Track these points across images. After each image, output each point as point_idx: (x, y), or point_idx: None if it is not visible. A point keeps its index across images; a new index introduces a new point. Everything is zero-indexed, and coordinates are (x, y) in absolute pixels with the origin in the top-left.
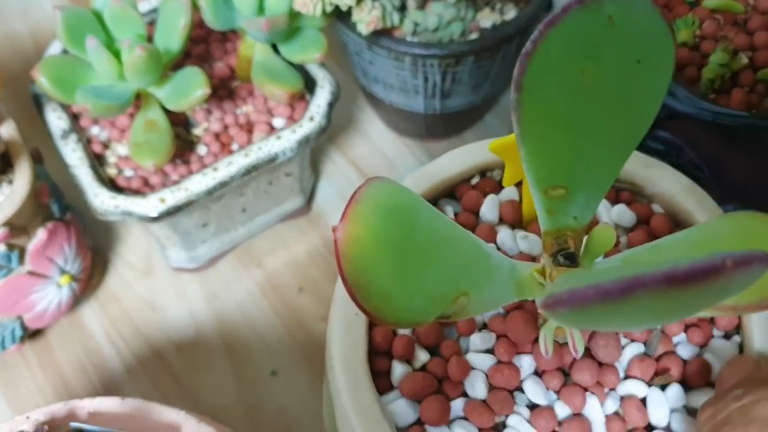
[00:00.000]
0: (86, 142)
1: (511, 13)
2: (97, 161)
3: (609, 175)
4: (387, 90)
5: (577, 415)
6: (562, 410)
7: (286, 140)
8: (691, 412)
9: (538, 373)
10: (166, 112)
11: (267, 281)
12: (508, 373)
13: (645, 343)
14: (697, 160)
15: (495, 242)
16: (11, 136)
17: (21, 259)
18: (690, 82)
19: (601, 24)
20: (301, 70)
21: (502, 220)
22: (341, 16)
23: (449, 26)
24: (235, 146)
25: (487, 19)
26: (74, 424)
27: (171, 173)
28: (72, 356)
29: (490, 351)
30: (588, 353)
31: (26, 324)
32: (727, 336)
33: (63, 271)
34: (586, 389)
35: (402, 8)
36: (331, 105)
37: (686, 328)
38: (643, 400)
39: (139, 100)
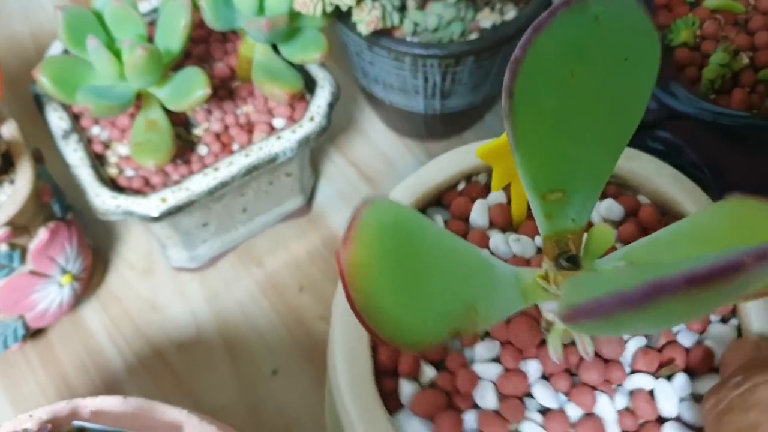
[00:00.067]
0: (87, 142)
1: (510, 14)
2: (98, 161)
3: (603, 174)
4: (387, 90)
5: (589, 415)
6: (573, 411)
7: (286, 140)
8: (698, 399)
9: (545, 377)
10: (167, 112)
11: (267, 281)
12: (516, 380)
13: (646, 336)
14: (698, 160)
15: (488, 247)
16: (13, 136)
17: (23, 258)
18: (690, 82)
19: (587, 25)
20: (301, 70)
21: (492, 224)
22: (341, 16)
23: (449, 26)
24: (235, 146)
25: (486, 19)
26: (77, 423)
27: (172, 173)
28: (73, 355)
29: (495, 360)
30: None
31: (28, 323)
32: (724, 320)
33: (64, 271)
34: (594, 388)
35: (402, 8)
36: (331, 105)
37: None
38: (651, 393)
39: (140, 100)
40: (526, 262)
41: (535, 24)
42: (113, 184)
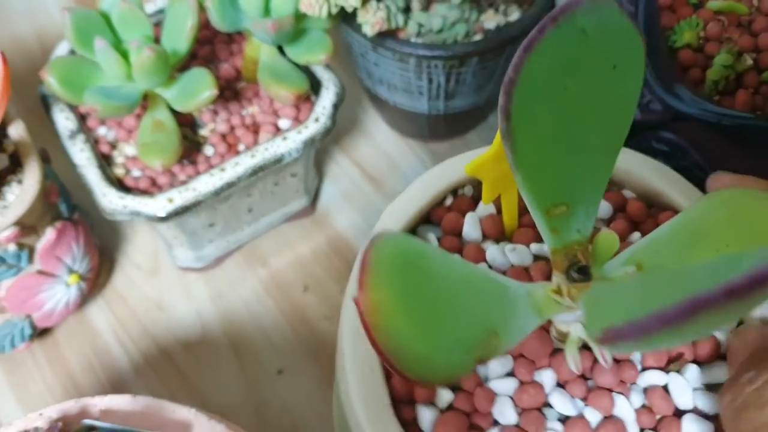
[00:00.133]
0: (94, 143)
1: (514, 15)
2: (104, 161)
3: (603, 181)
4: (391, 91)
5: (609, 417)
6: (592, 416)
7: (291, 141)
8: (711, 388)
9: (560, 385)
10: (173, 112)
11: (272, 281)
12: (533, 392)
13: None
14: (702, 161)
15: (485, 260)
16: (21, 136)
17: (30, 258)
18: (694, 83)
19: (576, 38)
20: (306, 71)
21: (485, 236)
22: (346, 17)
23: (453, 27)
24: (241, 147)
25: (490, 20)
26: (87, 422)
27: (178, 173)
28: (80, 355)
29: (510, 374)
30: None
31: (35, 323)
32: None
33: (71, 271)
34: (611, 390)
35: (406, 10)
36: (336, 106)
37: None
38: (665, 388)
39: (146, 100)
40: (525, 271)
41: (525, 44)
42: (120, 185)
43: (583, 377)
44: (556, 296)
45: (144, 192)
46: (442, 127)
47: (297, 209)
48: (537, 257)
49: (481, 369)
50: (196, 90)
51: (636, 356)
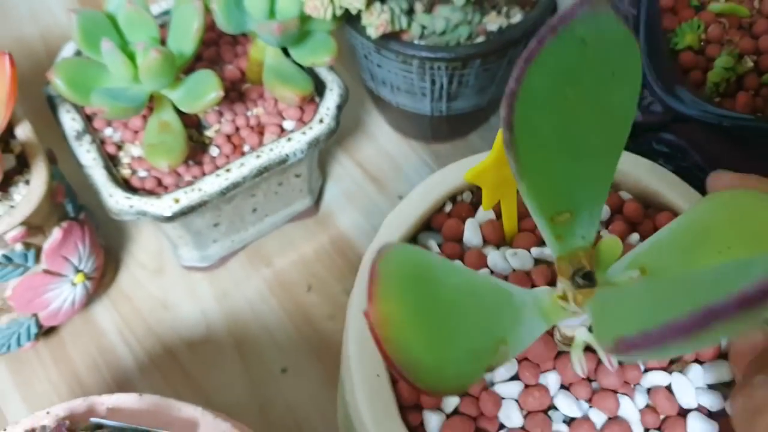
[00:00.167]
0: (100, 144)
1: (517, 17)
2: (110, 162)
3: (605, 187)
4: (394, 92)
5: (614, 419)
6: (597, 417)
7: (296, 142)
8: (714, 387)
9: (564, 387)
10: (179, 113)
11: (276, 280)
12: (538, 395)
13: None
14: (702, 162)
15: (487, 265)
16: (28, 137)
17: (37, 257)
18: (695, 85)
19: (575, 48)
20: (310, 72)
21: (486, 242)
22: (350, 19)
23: (456, 29)
24: (246, 148)
25: (493, 22)
26: (94, 420)
27: (184, 174)
28: (85, 354)
29: (514, 377)
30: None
31: (41, 322)
32: None
33: (77, 270)
34: (615, 391)
35: (410, 12)
36: (339, 107)
37: None
38: (669, 388)
39: (152, 102)
40: (527, 275)
41: (525, 55)
42: (126, 185)
43: (588, 379)
44: (562, 302)
45: (150, 192)
46: (445, 128)
47: (300, 209)
48: (538, 261)
49: (486, 374)
50: (203, 91)
51: None
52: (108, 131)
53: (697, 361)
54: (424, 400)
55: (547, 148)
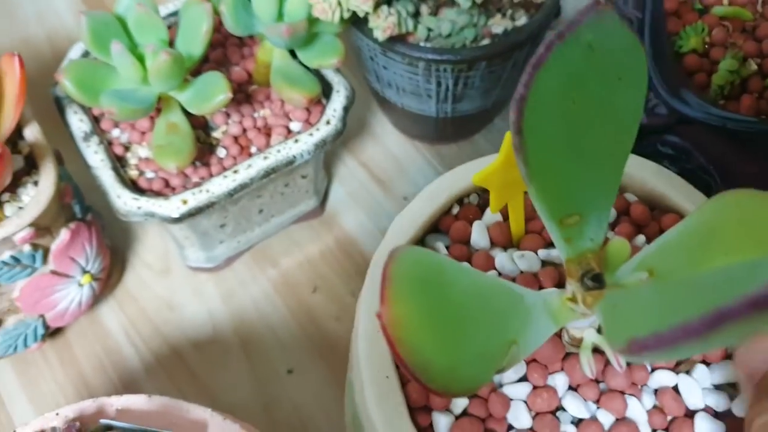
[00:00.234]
0: (107, 145)
1: (522, 20)
2: (118, 163)
3: (613, 189)
4: (400, 94)
5: (621, 420)
6: (605, 418)
7: (303, 143)
8: (720, 387)
9: (572, 388)
10: (187, 115)
11: (281, 281)
12: (546, 396)
13: None
14: (707, 164)
15: (494, 267)
16: (36, 138)
17: (44, 258)
18: (700, 88)
19: (582, 53)
20: (317, 74)
21: (493, 244)
22: (357, 22)
23: (462, 32)
24: (253, 149)
25: (498, 25)
26: (104, 421)
27: (192, 175)
28: (91, 355)
29: (523, 379)
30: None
31: (48, 322)
32: None
33: (84, 271)
34: (623, 392)
35: (416, 14)
36: (346, 109)
37: None
38: (676, 388)
39: (160, 103)
40: (534, 276)
41: (534, 61)
42: (134, 186)
43: (595, 380)
44: (571, 304)
45: (158, 193)
46: (450, 130)
47: (306, 210)
48: (545, 263)
49: (496, 375)
50: (211, 93)
51: None
52: (115, 132)
53: (703, 361)
54: (434, 402)
55: (555, 152)
